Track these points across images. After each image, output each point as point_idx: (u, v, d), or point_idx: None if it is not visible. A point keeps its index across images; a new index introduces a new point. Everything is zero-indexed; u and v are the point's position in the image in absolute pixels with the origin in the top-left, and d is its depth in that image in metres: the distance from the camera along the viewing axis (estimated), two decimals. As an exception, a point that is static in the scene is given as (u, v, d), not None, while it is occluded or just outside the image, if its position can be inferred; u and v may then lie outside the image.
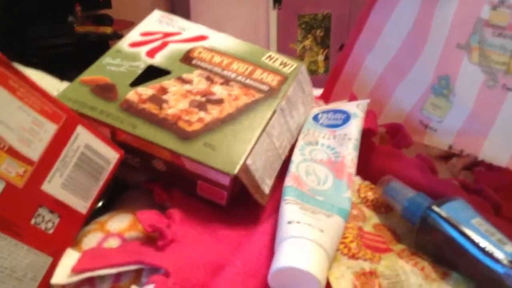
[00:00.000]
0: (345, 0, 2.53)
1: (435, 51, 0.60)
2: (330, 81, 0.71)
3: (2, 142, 0.34)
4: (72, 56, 1.87)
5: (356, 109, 0.55)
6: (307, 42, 2.53)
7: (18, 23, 1.84)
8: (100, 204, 0.48)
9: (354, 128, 0.52)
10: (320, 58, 2.60)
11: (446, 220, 0.45)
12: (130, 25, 2.09)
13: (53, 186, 0.38)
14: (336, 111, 0.55)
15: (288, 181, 0.46)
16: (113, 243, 0.42)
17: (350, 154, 0.50)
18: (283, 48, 2.51)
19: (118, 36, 2.00)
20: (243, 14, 2.36)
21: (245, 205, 0.49)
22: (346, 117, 0.54)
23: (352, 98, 0.62)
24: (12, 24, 1.82)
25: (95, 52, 2.07)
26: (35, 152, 0.36)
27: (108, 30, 1.98)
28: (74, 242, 0.43)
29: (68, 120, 0.39)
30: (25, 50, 1.72)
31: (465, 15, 0.57)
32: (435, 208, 0.46)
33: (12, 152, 0.35)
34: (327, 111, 0.56)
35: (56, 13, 1.96)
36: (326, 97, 0.71)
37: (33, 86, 0.36)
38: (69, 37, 1.89)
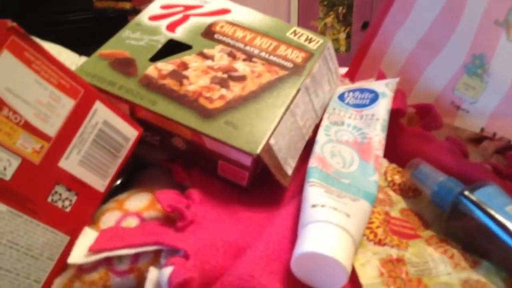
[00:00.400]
0: (369, -23, 2.46)
1: (470, 28, 0.57)
2: (357, 59, 0.69)
3: (18, 116, 0.33)
4: (90, 31, 1.86)
5: (385, 88, 0.52)
6: (329, 20, 2.48)
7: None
8: (118, 182, 0.47)
9: (382, 108, 0.50)
10: (342, 36, 2.54)
11: (479, 206, 0.43)
12: (148, 0, 2.07)
13: (70, 163, 0.37)
14: (363, 90, 0.53)
15: (313, 162, 0.44)
16: (132, 222, 0.41)
17: (377, 136, 0.47)
18: (303, 25, 2.46)
19: (137, 12, 1.97)
20: (264, -10, 2.32)
21: (267, 186, 0.48)
22: (374, 97, 0.51)
23: (380, 76, 0.60)
24: (30, -1, 1.82)
25: (113, 27, 2.06)
26: (52, 128, 0.35)
27: (127, 5, 1.96)
28: (92, 221, 0.42)
29: (86, 95, 0.37)
30: (43, 24, 1.71)
31: (506, -12, 0.53)
32: (468, 194, 0.44)
33: (28, 127, 0.34)
34: (354, 90, 0.54)
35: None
36: (352, 75, 0.69)
37: (50, 59, 0.35)
38: (88, 12, 1.88)
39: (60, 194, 0.37)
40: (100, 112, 0.39)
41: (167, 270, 0.35)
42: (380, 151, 0.47)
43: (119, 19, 2.02)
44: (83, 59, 0.63)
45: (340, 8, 2.49)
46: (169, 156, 0.49)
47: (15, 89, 0.33)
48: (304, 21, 2.44)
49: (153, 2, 0.54)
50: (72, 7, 1.88)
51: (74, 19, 1.84)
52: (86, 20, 1.86)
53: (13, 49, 0.32)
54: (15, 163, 0.33)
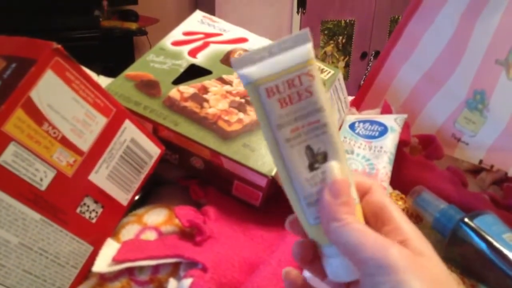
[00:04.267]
0: (370, 9, 2.53)
1: (472, 65, 0.60)
2: (363, 89, 0.72)
3: (56, 131, 0.35)
4: (96, 50, 1.90)
5: (394, 123, 0.55)
6: (329, 48, 2.53)
7: (44, 13, 1.86)
8: (136, 197, 0.49)
9: (390, 142, 0.53)
10: (341, 65, 2.60)
11: (478, 233, 0.45)
12: (155, 22, 2.11)
13: (99, 176, 0.39)
14: (373, 122, 0.56)
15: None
16: (150, 235, 0.43)
17: (385, 168, 0.50)
18: (304, 52, 2.50)
19: (143, 33, 2.01)
20: (267, 17, 2.37)
21: (277, 207, 0.50)
22: (384, 130, 0.54)
23: (386, 106, 0.63)
24: (38, 15, 1.85)
25: (119, 47, 2.08)
26: (85, 143, 0.38)
27: (133, 26, 1.99)
28: (113, 233, 0.44)
29: (117, 114, 0.40)
30: (51, 41, 1.74)
31: (507, 30, 0.57)
32: (468, 221, 0.46)
33: (65, 142, 0.36)
34: (364, 121, 0.57)
35: (82, 6, 1.99)
36: (357, 104, 0.72)
37: (88, 80, 0.37)
38: (94, 31, 1.91)
39: (88, 206, 0.39)
40: (129, 130, 0.41)
41: (187, 282, 0.37)
42: (386, 183, 0.49)
43: (125, 39, 2.05)
44: (101, 78, 0.66)
45: (340, 37, 2.55)
46: (185, 175, 0.51)
47: (55, 106, 0.35)
48: (304, 49, 2.49)
49: (175, 29, 0.57)
50: (79, 25, 1.91)
51: (80, 36, 1.88)
52: (92, 39, 1.89)
53: (56, 69, 0.35)
54: (50, 174, 0.36)
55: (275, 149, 0.27)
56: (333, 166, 0.27)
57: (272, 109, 0.27)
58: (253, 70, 0.27)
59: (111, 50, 1.93)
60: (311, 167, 0.27)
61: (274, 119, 0.27)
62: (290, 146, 0.27)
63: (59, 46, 0.35)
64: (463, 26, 0.61)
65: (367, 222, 0.28)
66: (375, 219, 0.28)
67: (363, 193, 0.29)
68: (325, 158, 0.27)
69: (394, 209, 0.28)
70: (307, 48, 0.27)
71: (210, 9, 2.26)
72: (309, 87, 0.27)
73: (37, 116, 0.34)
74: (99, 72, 0.68)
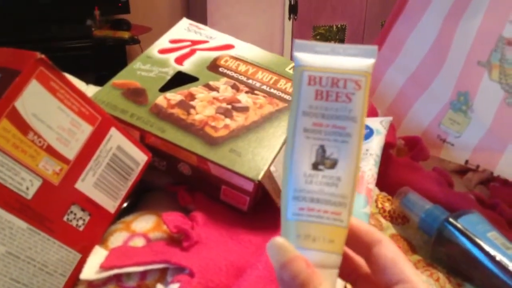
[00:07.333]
0: (361, 13, 2.55)
1: (456, 67, 0.61)
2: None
3: (42, 140, 0.36)
4: (89, 59, 1.90)
5: (380, 126, 0.56)
6: (321, 53, 2.55)
7: (36, 24, 1.87)
8: (125, 204, 0.49)
9: (376, 144, 0.53)
10: (333, 69, 2.62)
11: (462, 232, 0.46)
12: (147, 30, 2.12)
13: (86, 184, 0.40)
14: (359, 125, 0.56)
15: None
16: (138, 242, 0.44)
17: (370, 170, 0.51)
18: (296, 58, 2.52)
19: (135, 41, 2.02)
20: (259, 24, 2.39)
21: (265, 212, 0.50)
22: (369, 133, 0.55)
23: (371, 109, 0.64)
24: (30, 25, 1.86)
25: (112, 56, 2.09)
26: (71, 152, 0.38)
27: (125, 35, 2.00)
28: (101, 240, 0.44)
29: (103, 122, 0.40)
30: (42, 50, 1.75)
31: (488, 32, 0.58)
32: (452, 221, 0.47)
33: (50, 151, 0.37)
34: (349, 124, 0.57)
35: (74, 16, 2.00)
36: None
37: (73, 89, 0.38)
38: (87, 40, 1.92)
39: (75, 214, 0.39)
40: (115, 138, 0.42)
41: (174, 287, 0.37)
42: (372, 185, 0.50)
43: (118, 48, 2.06)
44: (90, 87, 0.66)
45: (332, 42, 2.58)
46: (173, 181, 0.51)
47: (40, 115, 0.36)
48: (297, 54, 2.50)
49: (162, 37, 0.57)
50: (71, 34, 1.92)
51: (73, 46, 1.88)
52: (85, 48, 1.89)
53: (40, 79, 0.35)
54: (36, 183, 0.36)
55: (291, 133, 0.27)
56: (282, 244, 0.26)
57: (306, 96, 0.26)
58: (306, 56, 0.27)
59: (104, 59, 1.94)
60: (315, 166, 0.27)
61: (303, 105, 0.26)
62: (305, 136, 0.27)
63: (43, 56, 0.36)
64: (446, 29, 0.62)
65: (374, 272, 0.27)
66: (383, 272, 0.27)
67: (371, 244, 0.28)
68: (333, 165, 0.27)
69: (408, 266, 0.27)
70: (368, 62, 0.27)
71: (202, 17, 2.28)
72: (350, 93, 0.26)
73: (22, 126, 0.35)
74: (93, 81, 0.69)
